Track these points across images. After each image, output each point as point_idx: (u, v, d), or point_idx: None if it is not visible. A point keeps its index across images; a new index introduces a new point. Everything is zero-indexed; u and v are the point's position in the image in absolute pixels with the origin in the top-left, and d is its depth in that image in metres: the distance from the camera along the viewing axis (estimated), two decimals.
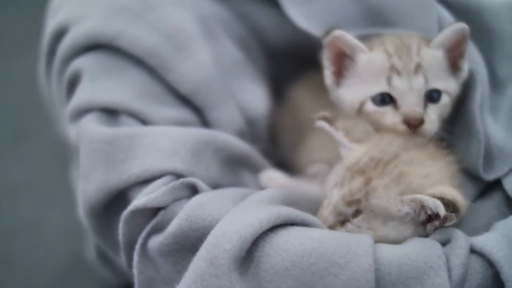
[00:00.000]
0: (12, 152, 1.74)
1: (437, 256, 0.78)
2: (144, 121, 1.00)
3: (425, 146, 0.92)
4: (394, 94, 0.94)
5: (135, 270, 0.89)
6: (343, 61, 0.99)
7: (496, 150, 0.97)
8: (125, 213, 0.88)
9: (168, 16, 1.06)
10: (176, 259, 0.85)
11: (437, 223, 0.85)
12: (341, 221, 0.88)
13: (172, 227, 0.85)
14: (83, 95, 1.00)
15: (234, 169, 1.02)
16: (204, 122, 1.06)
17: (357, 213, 0.86)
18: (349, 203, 0.86)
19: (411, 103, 0.93)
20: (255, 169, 1.05)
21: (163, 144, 0.93)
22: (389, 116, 0.95)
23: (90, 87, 1.00)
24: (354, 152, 0.91)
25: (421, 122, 0.93)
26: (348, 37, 0.97)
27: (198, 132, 0.97)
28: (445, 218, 0.83)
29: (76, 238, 1.41)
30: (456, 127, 1.00)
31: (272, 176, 1.04)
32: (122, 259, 0.94)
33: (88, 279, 1.39)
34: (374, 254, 0.76)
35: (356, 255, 0.76)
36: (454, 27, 0.95)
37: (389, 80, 0.94)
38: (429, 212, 0.83)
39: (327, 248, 0.77)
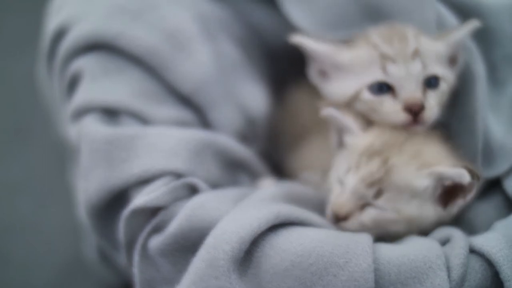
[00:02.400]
0: (10, 150, 1.74)
1: (437, 256, 0.78)
2: (144, 121, 0.99)
3: (429, 134, 0.93)
4: (391, 81, 0.91)
5: (135, 270, 0.89)
6: (326, 61, 0.98)
7: (497, 148, 0.97)
8: (126, 212, 0.89)
9: (168, 16, 1.06)
10: (176, 258, 0.85)
11: (461, 200, 0.86)
12: (361, 206, 0.86)
13: (172, 227, 0.85)
14: (84, 95, 1.00)
15: (233, 173, 1.02)
16: (204, 122, 1.06)
17: (379, 193, 0.85)
18: (371, 184, 0.85)
19: (410, 89, 0.91)
20: (254, 175, 1.05)
21: (164, 144, 0.93)
22: (388, 104, 0.92)
23: (91, 87, 1.00)
24: (362, 139, 0.90)
25: (422, 107, 0.90)
26: (319, 46, 0.97)
27: (199, 134, 0.97)
28: (468, 189, 0.84)
29: (75, 237, 1.41)
30: (455, 124, 1.00)
31: (270, 185, 1.03)
32: (122, 259, 0.94)
33: (86, 278, 1.40)
34: (373, 254, 0.77)
35: (355, 255, 0.76)
36: (469, 27, 0.96)
37: (384, 69, 0.92)
38: (447, 183, 0.84)
39: (326, 248, 0.77)
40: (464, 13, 1.05)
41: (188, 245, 0.84)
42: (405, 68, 0.91)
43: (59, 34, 1.06)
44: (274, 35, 1.22)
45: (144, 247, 0.88)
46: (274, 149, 1.18)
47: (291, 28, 1.11)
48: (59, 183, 1.48)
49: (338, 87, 0.97)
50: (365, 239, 0.79)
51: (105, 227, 0.98)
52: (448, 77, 0.96)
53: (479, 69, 1.00)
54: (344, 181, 0.87)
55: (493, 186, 0.97)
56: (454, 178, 0.84)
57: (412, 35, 0.94)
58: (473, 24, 0.96)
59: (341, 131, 0.95)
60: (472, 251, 0.80)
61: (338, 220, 0.86)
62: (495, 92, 1.03)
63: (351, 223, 0.86)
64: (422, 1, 1.05)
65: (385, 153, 0.86)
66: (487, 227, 0.88)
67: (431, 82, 0.93)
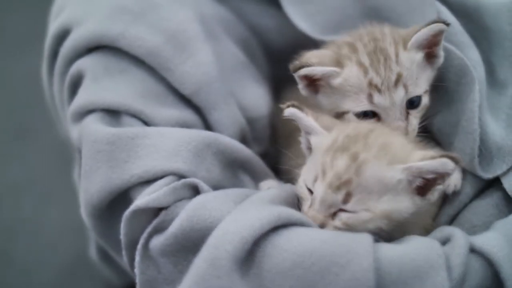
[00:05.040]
0: (13, 150, 1.75)
1: (437, 255, 0.78)
2: (145, 122, 1.00)
3: None
4: (377, 110, 0.95)
5: (137, 270, 0.89)
6: (317, 81, 0.99)
7: (495, 149, 0.97)
8: (127, 213, 0.89)
9: (169, 16, 1.06)
10: (177, 259, 0.86)
11: (440, 186, 0.85)
12: (333, 214, 0.84)
13: (173, 227, 0.85)
14: (85, 95, 1.00)
15: (235, 173, 1.02)
16: (205, 122, 1.06)
17: (348, 196, 0.83)
18: (338, 187, 0.83)
19: (394, 117, 0.95)
20: (256, 175, 1.05)
21: (165, 144, 0.93)
22: None
23: (92, 87, 1.00)
24: (326, 137, 0.89)
25: (406, 132, 0.95)
26: (317, 69, 0.96)
27: (200, 134, 0.97)
28: (448, 174, 0.83)
29: (77, 237, 1.42)
30: (452, 126, 1.00)
31: (272, 186, 1.02)
32: (124, 259, 0.94)
33: (90, 278, 1.40)
34: (374, 253, 0.77)
35: (356, 255, 0.76)
36: (432, 28, 0.95)
37: (370, 98, 0.95)
38: (429, 176, 0.83)
39: (328, 248, 0.77)
40: (464, 14, 1.06)
41: (189, 245, 0.84)
42: (389, 98, 0.94)
43: (61, 36, 1.06)
44: (275, 36, 1.22)
45: (145, 247, 0.89)
46: (273, 149, 1.18)
47: (292, 28, 1.11)
48: (61, 183, 1.49)
49: (326, 102, 0.99)
50: (366, 238, 0.79)
51: (106, 227, 0.98)
52: (428, 81, 0.98)
53: (480, 71, 1.00)
54: (313, 190, 0.86)
55: (492, 184, 0.98)
56: (438, 169, 0.83)
57: (394, 54, 0.96)
58: (436, 27, 0.95)
59: (307, 133, 0.93)
60: (472, 250, 0.80)
61: None
62: (494, 93, 1.03)
63: (328, 229, 0.84)
64: (422, 2, 1.05)
65: (352, 149, 0.85)
66: (486, 225, 0.89)
67: (413, 102, 0.96)
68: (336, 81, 0.97)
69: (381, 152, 0.84)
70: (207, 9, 1.14)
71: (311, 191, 0.87)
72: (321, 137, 0.90)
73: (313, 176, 0.86)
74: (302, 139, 0.95)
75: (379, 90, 0.94)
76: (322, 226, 0.84)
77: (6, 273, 1.44)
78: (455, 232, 0.83)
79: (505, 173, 0.96)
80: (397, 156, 0.85)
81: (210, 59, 1.06)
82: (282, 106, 0.93)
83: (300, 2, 1.16)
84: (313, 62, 0.97)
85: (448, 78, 1.00)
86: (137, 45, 1.02)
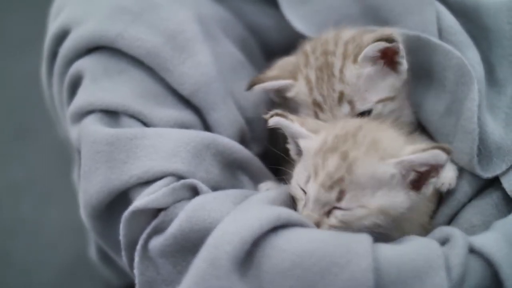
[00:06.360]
0: (13, 151, 1.75)
1: (437, 255, 0.78)
2: (144, 122, 1.00)
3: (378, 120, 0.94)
4: None
5: (136, 271, 0.89)
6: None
7: (495, 148, 0.97)
8: (126, 213, 0.89)
9: (168, 16, 1.06)
10: (176, 260, 0.86)
11: (434, 179, 0.84)
12: (327, 212, 0.84)
13: (172, 228, 0.85)
14: (84, 96, 1.00)
15: (234, 174, 1.02)
16: (205, 122, 1.06)
17: (341, 194, 0.83)
18: (331, 186, 0.83)
19: None
20: (255, 176, 1.04)
21: (164, 145, 0.93)
22: None
23: (91, 88, 1.00)
24: (314, 140, 0.89)
25: None
26: (270, 84, 1.01)
27: (199, 135, 0.97)
28: (441, 166, 0.83)
29: (77, 237, 1.42)
30: (450, 126, 1.00)
31: (271, 188, 1.02)
32: (123, 260, 0.94)
33: (89, 278, 1.40)
34: (373, 253, 0.76)
35: (356, 255, 0.76)
36: (375, 46, 0.95)
37: (315, 115, 0.98)
38: (422, 169, 0.83)
39: (328, 248, 0.77)
40: (463, 13, 1.05)
41: (188, 246, 0.84)
42: (333, 116, 0.97)
43: (60, 36, 1.06)
44: (273, 35, 1.22)
45: (145, 248, 0.89)
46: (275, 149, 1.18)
47: (291, 28, 1.11)
48: (61, 183, 1.49)
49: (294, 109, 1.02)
50: (366, 239, 0.79)
51: (105, 228, 0.98)
52: (388, 90, 0.98)
53: (478, 71, 1.00)
54: (306, 190, 0.86)
55: (491, 184, 0.98)
56: (430, 161, 0.82)
57: (338, 71, 0.97)
58: (381, 45, 0.94)
59: (295, 138, 0.93)
60: (472, 250, 0.80)
61: None
62: (493, 92, 1.03)
63: (324, 228, 0.84)
64: (421, 1, 1.05)
65: (341, 148, 0.85)
66: (485, 225, 0.89)
67: (363, 114, 0.97)
68: (290, 94, 1.00)
69: (371, 149, 0.85)
70: (206, 9, 1.14)
71: (305, 192, 0.87)
72: (310, 140, 0.90)
73: (306, 177, 0.87)
74: (290, 146, 0.95)
75: (322, 109, 0.97)
76: (317, 225, 0.84)
77: (5, 273, 1.44)
78: (454, 232, 0.83)
79: (504, 173, 0.96)
80: (388, 151, 0.85)
81: (209, 60, 1.06)
82: (265, 116, 0.93)
83: (297, 3, 1.16)
84: (270, 76, 1.01)
85: (447, 78, 1.00)
86: (136, 46, 1.02)
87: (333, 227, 0.84)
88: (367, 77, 0.97)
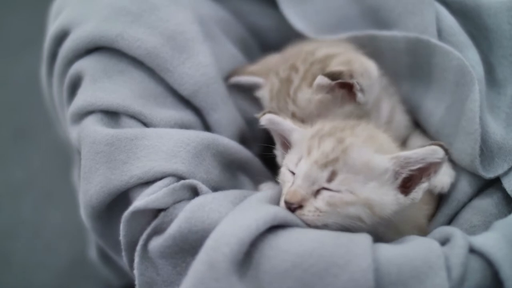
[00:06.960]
0: (12, 151, 1.75)
1: (437, 255, 0.78)
2: (144, 123, 1.00)
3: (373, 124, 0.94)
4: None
5: (136, 271, 0.89)
6: None
7: (496, 148, 0.97)
8: (126, 214, 0.89)
9: (168, 17, 1.06)
10: (176, 260, 0.86)
11: (425, 184, 0.84)
12: (315, 191, 0.83)
13: (172, 229, 0.85)
14: (84, 97, 1.00)
15: (234, 174, 1.02)
16: (205, 123, 1.06)
17: (333, 175, 0.82)
18: (325, 165, 0.82)
19: None
20: (254, 176, 1.05)
21: (164, 146, 0.93)
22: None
23: (91, 89, 1.00)
24: (309, 129, 0.89)
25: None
26: (242, 79, 1.05)
27: (199, 135, 0.97)
28: (435, 169, 0.83)
29: (77, 238, 1.42)
30: (451, 126, 1.00)
31: (271, 189, 1.02)
32: (123, 260, 0.94)
33: (89, 279, 1.40)
34: (373, 254, 0.77)
35: (355, 255, 0.76)
36: (320, 80, 0.93)
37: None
38: (416, 167, 0.83)
39: (327, 249, 0.77)
40: (463, 13, 1.05)
41: (187, 247, 0.84)
42: None
43: (60, 37, 1.06)
44: (273, 35, 1.22)
45: (145, 248, 0.89)
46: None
47: (290, 28, 1.11)
48: (61, 184, 1.49)
49: None
50: (365, 239, 0.79)
51: (105, 228, 0.98)
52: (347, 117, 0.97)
53: (479, 71, 1.00)
54: (296, 170, 0.85)
55: (492, 184, 0.98)
56: (427, 157, 0.82)
57: (293, 92, 0.98)
58: (323, 81, 0.94)
59: (282, 135, 0.93)
60: (472, 250, 0.80)
61: (293, 210, 0.83)
62: (493, 92, 1.03)
63: (307, 210, 0.83)
64: (420, 2, 1.05)
65: (338, 135, 0.85)
66: (486, 225, 0.89)
67: None
68: (258, 93, 1.03)
69: (368, 141, 0.85)
70: (206, 10, 1.14)
71: (293, 174, 0.86)
72: (303, 131, 0.90)
73: (297, 158, 0.86)
74: (277, 152, 0.96)
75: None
76: (300, 204, 0.83)
77: (5, 273, 1.44)
78: (455, 232, 0.83)
79: (505, 173, 0.97)
80: (384, 147, 0.86)
81: (209, 60, 1.06)
82: (257, 115, 0.94)
83: (297, 3, 1.16)
84: (247, 71, 1.04)
85: (447, 79, 1.00)
86: (136, 46, 1.02)
87: (317, 211, 0.83)
88: (319, 103, 0.97)
